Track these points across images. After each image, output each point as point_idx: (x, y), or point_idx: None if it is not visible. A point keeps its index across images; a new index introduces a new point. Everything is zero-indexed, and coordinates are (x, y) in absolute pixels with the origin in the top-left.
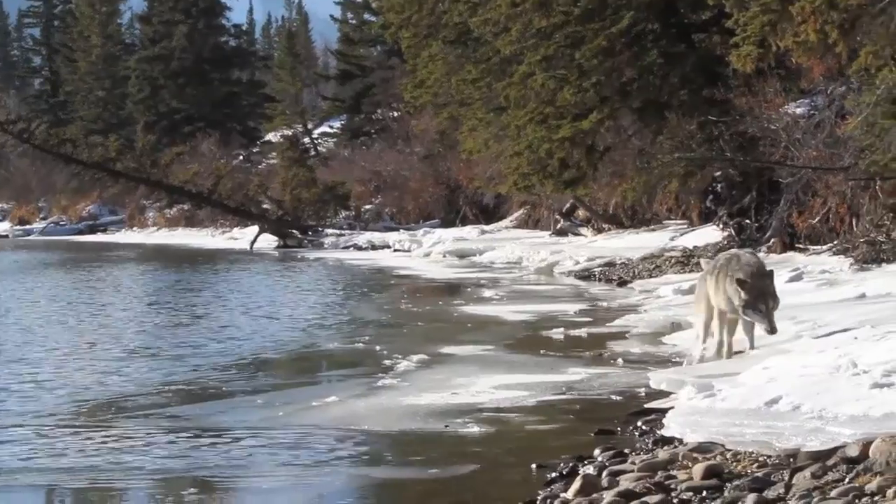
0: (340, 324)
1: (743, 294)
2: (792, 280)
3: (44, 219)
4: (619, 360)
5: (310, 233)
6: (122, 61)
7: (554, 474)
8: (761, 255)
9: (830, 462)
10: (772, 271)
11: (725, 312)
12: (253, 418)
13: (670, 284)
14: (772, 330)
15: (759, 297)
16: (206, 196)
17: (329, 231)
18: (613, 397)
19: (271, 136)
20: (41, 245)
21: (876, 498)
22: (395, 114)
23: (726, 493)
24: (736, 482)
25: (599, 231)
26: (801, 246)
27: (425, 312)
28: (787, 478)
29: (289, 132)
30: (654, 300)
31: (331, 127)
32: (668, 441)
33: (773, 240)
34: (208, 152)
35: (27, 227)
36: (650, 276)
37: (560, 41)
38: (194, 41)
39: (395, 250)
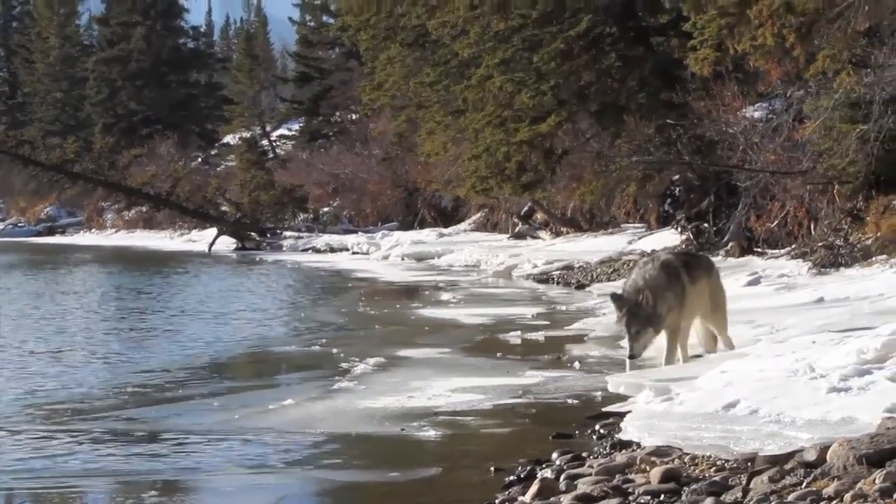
0: (297, 326)
1: (615, 311)
2: (750, 284)
3: (2, 220)
4: (577, 364)
5: (268, 235)
6: (80, 63)
7: (512, 477)
8: (718, 258)
9: (788, 466)
10: (665, 283)
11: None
12: (209, 421)
13: None
14: (629, 354)
15: (623, 318)
16: (164, 198)
17: (287, 234)
18: (571, 401)
19: (229, 139)
20: None
21: (833, 502)
22: (354, 116)
23: (684, 497)
24: (693, 486)
25: (558, 234)
26: (759, 250)
27: (382, 315)
28: (744, 482)
29: (247, 134)
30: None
31: (289, 129)
32: (625, 445)
33: (731, 243)
34: (166, 154)
35: None
36: (608, 280)
37: (518, 44)
38: (152, 43)
39: (354, 253)
